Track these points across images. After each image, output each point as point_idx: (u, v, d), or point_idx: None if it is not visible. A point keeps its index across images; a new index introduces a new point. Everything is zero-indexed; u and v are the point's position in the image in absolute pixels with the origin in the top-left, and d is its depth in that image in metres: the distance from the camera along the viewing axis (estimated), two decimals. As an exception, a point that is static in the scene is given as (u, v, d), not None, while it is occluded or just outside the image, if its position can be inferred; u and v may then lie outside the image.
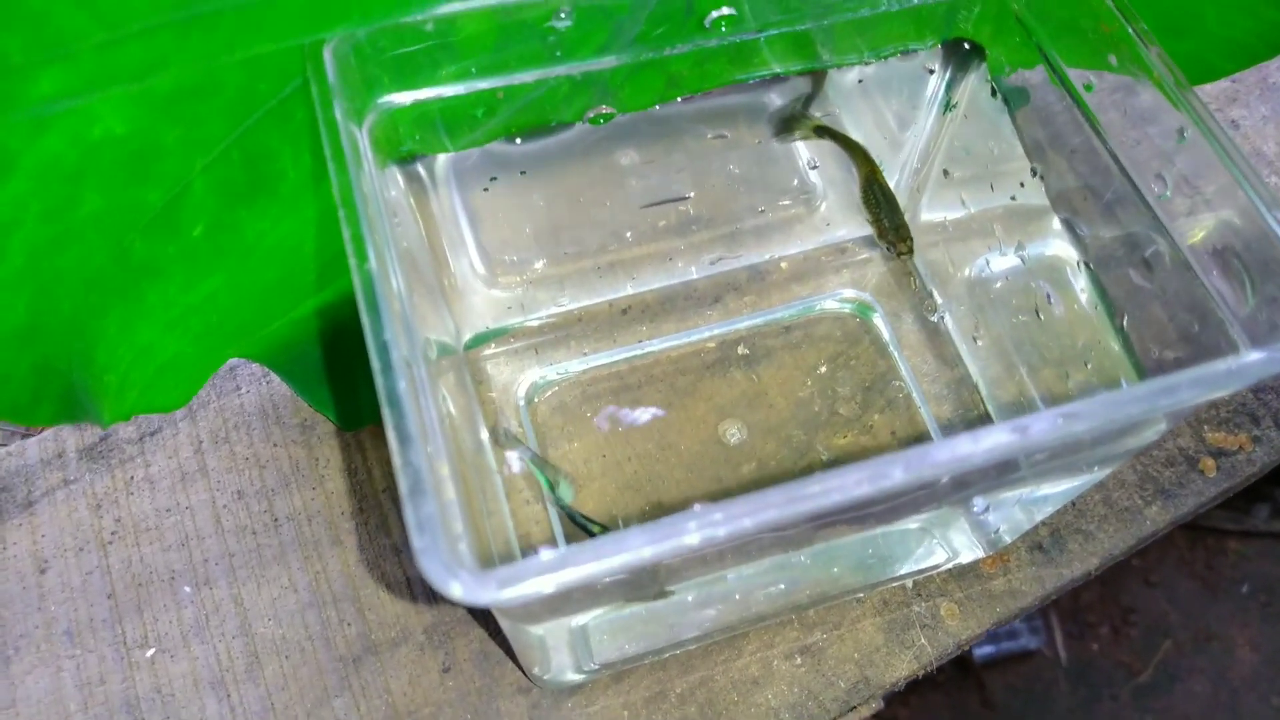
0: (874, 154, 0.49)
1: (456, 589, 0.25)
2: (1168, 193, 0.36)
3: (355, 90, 0.36)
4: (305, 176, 0.38)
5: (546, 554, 0.25)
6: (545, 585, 0.25)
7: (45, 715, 0.45)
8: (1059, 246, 0.43)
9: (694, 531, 0.26)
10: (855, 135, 0.49)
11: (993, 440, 0.28)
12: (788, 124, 0.47)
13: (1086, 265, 0.41)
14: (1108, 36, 0.38)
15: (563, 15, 0.37)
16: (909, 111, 0.48)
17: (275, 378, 0.53)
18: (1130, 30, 0.37)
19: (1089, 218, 0.41)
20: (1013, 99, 0.44)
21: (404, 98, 0.37)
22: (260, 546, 0.49)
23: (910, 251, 0.49)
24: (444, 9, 0.34)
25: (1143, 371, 0.40)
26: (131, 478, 0.50)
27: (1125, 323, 0.40)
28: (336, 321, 0.46)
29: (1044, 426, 0.28)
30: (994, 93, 0.44)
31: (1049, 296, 0.44)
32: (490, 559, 0.37)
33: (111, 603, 0.47)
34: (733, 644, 0.47)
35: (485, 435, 0.47)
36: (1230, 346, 0.34)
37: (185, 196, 0.35)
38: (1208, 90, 0.65)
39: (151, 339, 0.39)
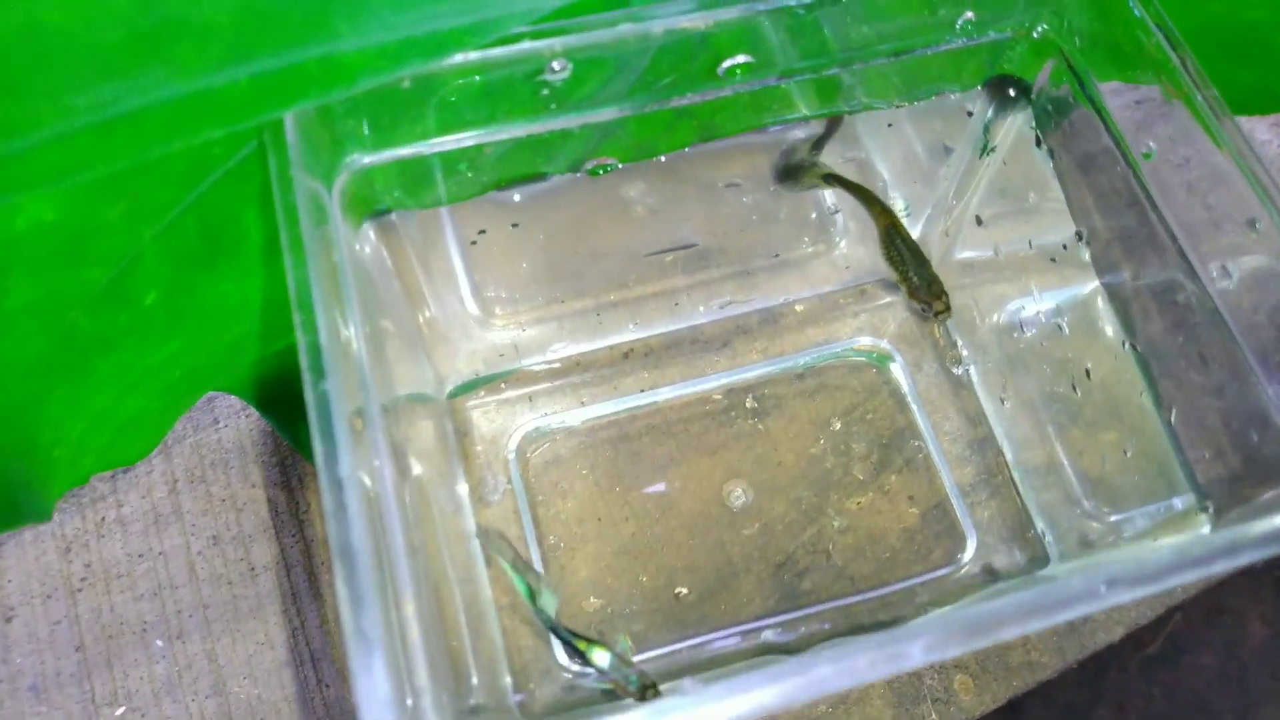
0: (902, 197, 0.45)
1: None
2: (1231, 285, 0.32)
3: (322, 150, 0.32)
4: (272, 234, 0.35)
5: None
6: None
7: (8, 778, 0.43)
8: (1104, 320, 0.39)
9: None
10: (883, 174, 0.45)
11: (1023, 605, 0.25)
12: (793, 172, 0.42)
13: (1134, 347, 0.38)
14: (1173, 96, 0.34)
15: (556, 67, 0.33)
16: (942, 154, 0.43)
17: (255, 411, 0.50)
18: (1200, 97, 0.33)
19: (1140, 298, 0.37)
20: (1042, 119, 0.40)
21: (379, 156, 0.34)
22: (236, 598, 0.46)
23: (947, 310, 0.44)
24: (420, 68, 0.30)
25: (1190, 471, 0.36)
26: (103, 519, 0.48)
27: (1174, 417, 0.36)
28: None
29: (1085, 592, 0.25)
30: (1038, 142, 0.40)
31: (1087, 373, 0.40)
32: (463, 664, 0.34)
33: (80, 655, 0.45)
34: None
35: (464, 491, 0.44)
36: (1293, 467, 0.31)
37: (135, 268, 0.32)
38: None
39: (106, 405, 0.36)
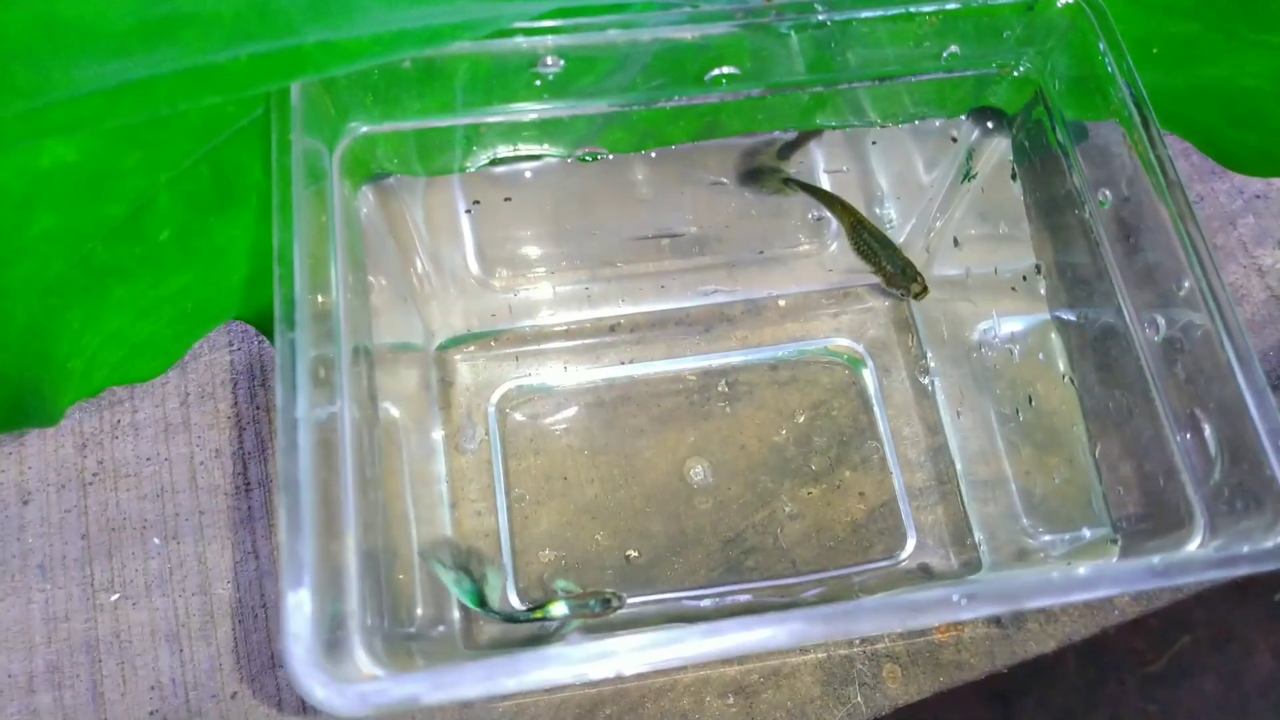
0: (894, 209, 0.47)
1: (319, 692, 0.26)
2: (1159, 338, 0.34)
3: (326, 116, 0.35)
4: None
5: (411, 682, 0.26)
6: (405, 704, 0.26)
7: (12, 643, 0.47)
8: (1050, 350, 0.41)
9: (564, 670, 0.26)
10: (882, 185, 0.47)
11: (883, 606, 0.27)
12: (755, 175, 0.44)
13: (1071, 381, 0.40)
14: (1131, 151, 0.35)
15: (549, 62, 0.35)
16: (926, 175, 0.45)
17: (267, 341, 0.54)
18: (1153, 155, 0.34)
19: (1082, 336, 0.39)
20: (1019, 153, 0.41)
21: (380, 126, 0.36)
22: (230, 509, 0.50)
23: (924, 290, 0.46)
24: (418, 54, 0.33)
25: (1108, 504, 0.38)
26: (119, 421, 0.52)
27: (1097, 452, 0.38)
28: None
29: (939, 603, 0.27)
30: (1014, 175, 0.41)
31: (1030, 399, 0.42)
32: (408, 596, 0.38)
33: (85, 543, 0.50)
34: (668, 670, 0.48)
35: (439, 437, 0.48)
36: (1187, 514, 0.33)
37: (150, 208, 0.35)
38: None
39: (121, 326, 0.40)
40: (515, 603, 0.45)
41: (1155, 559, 0.29)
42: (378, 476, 0.36)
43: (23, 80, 0.24)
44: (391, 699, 0.26)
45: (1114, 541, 0.38)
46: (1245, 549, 0.29)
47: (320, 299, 0.31)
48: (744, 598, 0.46)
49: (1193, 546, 0.32)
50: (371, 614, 0.31)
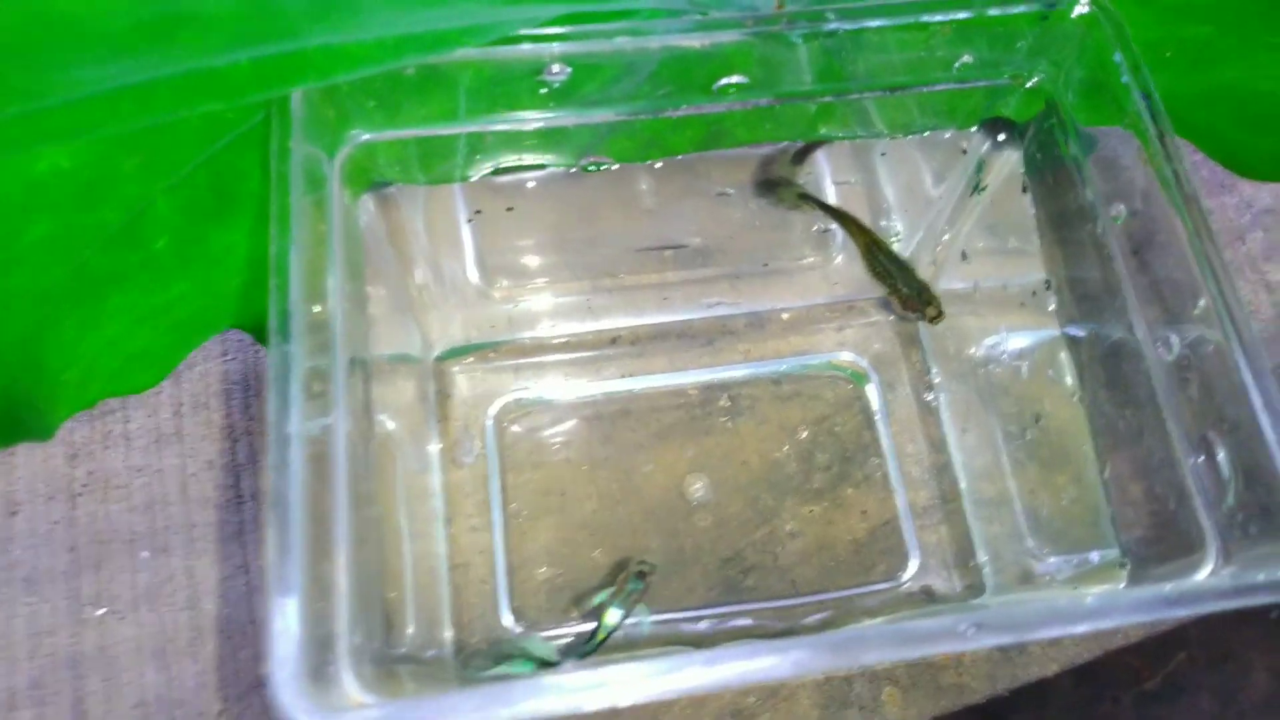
0: (900, 221, 0.46)
1: (305, 720, 0.25)
2: (1171, 356, 0.33)
3: (327, 124, 0.34)
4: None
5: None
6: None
7: (-6, 657, 0.46)
8: (1059, 367, 0.40)
9: (560, 699, 0.26)
10: (888, 197, 0.46)
11: (890, 635, 0.27)
12: (771, 186, 0.43)
13: (1081, 399, 0.39)
14: (1147, 164, 0.35)
15: (555, 69, 0.34)
16: (935, 187, 0.44)
17: (263, 349, 0.53)
18: (1170, 171, 0.33)
19: (1092, 354, 0.38)
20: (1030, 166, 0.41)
21: (382, 134, 0.36)
22: (221, 522, 0.49)
23: (940, 314, 0.45)
24: (422, 60, 0.32)
25: (1116, 526, 0.37)
26: (110, 431, 0.51)
27: (1106, 473, 0.37)
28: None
29: (946, 632, 0.27)
30: (1024, 188, 0.41)
31: (1037, 417, 0.41)
32: (400, 615, 0.37)
33: (72, 556, 0.48)
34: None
35: (435, 450, 0.47)
36: (1199, 539, 0.32)
37: (147, 215, 0.34)
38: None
39: (116, 334, 0.39)
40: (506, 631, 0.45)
41: (1167, 587, 0.28)
42: (371, 492, 0.35)
43: (18, 82, 0.23)
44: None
45: (1122, 565, 0.37)
46: (1260, 576, 0.28)
47: (317, 309, 0.31)
48: (742, 620, 0.45)
49: (1205, 572, 0.31)
50: (362, 635, 0.30)
